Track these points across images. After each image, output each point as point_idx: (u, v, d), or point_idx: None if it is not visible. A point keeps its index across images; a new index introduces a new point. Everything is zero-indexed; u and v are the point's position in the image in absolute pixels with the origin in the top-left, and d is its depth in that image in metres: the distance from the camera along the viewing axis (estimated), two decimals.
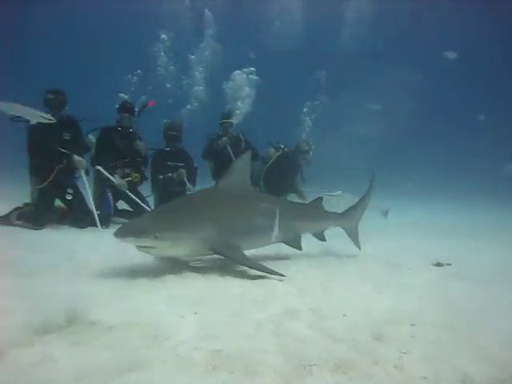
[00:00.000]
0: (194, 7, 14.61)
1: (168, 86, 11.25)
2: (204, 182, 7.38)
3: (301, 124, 10.75)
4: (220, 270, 3.75)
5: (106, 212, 6.51)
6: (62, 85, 6.52)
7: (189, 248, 3.71)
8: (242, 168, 4.29)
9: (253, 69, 10.27)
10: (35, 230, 5.65)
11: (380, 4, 23.90)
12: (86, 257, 4.10)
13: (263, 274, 3.58)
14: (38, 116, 5.40)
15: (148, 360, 1.91)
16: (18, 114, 5.53)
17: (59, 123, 6.02)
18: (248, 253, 3.99)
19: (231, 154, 7.77)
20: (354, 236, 5.38)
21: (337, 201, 7.69)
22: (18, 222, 5.80)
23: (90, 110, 6.87)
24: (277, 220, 4.11)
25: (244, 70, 10.13)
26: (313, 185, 8.54)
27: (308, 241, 5.13)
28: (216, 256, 3.85)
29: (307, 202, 6.13)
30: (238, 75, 10.00)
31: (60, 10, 27.42)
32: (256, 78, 10.19)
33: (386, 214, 8.33)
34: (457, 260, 4.94)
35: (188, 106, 10.91)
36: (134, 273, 3.52)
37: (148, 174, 7.31)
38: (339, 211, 5.42)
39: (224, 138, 7.88)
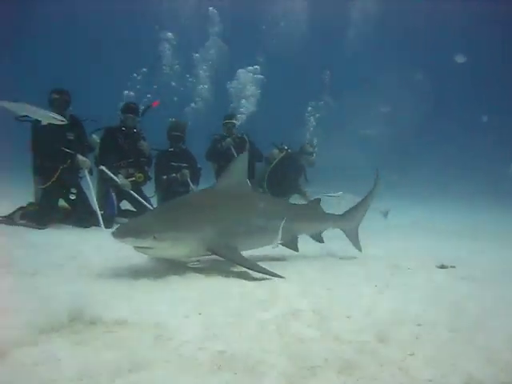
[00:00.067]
0: (199, 5, 14.60)
1: (173, 84, 11.22)
2: (208, 183, 7.37)
3: (305, 124, 10.70)
4: (222, 270, 3.74)
5: (110, 212, 6.52)
6: (65, 84, 6.54)
7: (188, 249, 3.68)
8: (239, 168, 4.29)
9: (257, 67, 10.19)
10: (39, 229, 5.66)
11: (384, 4, 23.84)
12: (90, 257, 4.11)
13: (262, 275, 3.57)
14: (50, 117, 5.42)
15: (152, 360, 1.90)
16: (30, 115, 5.56)
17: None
18: (246, 254, 3.98)
19: (235, 155, 7.76)
20: (353, 238, 5.31)
21: (337, 201, 7.65)
22: (21, 222, 5.82)
23: (93, 110, 6.88)
24: (274, 221, 4.12)
25: (249, 68, 10.06)
26: (316, 185, 8.51)
27: (309, 242, 5.13)
28: (213, 257, 3.83)
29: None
30: (242, 74, 9.96)
31: (60, 10, 27.49)
32: (261, 76, 10.11)
33: (386, 214, 8.29)
34: (457, 260, 4.92)
35: (192, 105, 10.88)
36: (137, 273, 3.52)
37: (152, 174, 7.31)
38: (340, 212, 5.39)
39: (228, 139, 7.86)
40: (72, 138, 6.34)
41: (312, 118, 10.65)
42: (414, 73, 23.68)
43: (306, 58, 25.14)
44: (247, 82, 9.73)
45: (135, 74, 9.25)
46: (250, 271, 3.65)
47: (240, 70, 10.01)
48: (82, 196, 6.46)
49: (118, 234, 3.37)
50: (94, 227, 6.14)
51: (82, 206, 6.40)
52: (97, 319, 2.32)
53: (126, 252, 3.97)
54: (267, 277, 3.55)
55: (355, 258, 5.08)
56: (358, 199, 5.54)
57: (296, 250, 4.68)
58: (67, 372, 1.76)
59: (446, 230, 8.74)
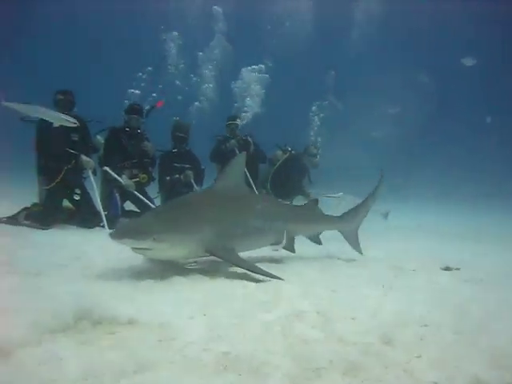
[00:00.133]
0: (204, 5, 14.62)
1: (178, 83, 11.21)
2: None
3: (309, 124, 10.68)
4: (225, 271, 3.75)
5: (114, 213, 6.53)
6: (65, 85, 6.56)
7: (186, 250, 3.65)
8: (237, 169, 4.28)
9: (262, 66, 10.14)
10: (43, 230, 5.68)
11: (389, 5, 23.81)
12: (94, 257, 4.12)
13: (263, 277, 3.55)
14: (62, 119, 5.47)
15: (156, 360, 1.90)
16: (43, 117, 5.60)
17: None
18: (246, 255, 3.97)
19: None
20: (352, 240, 5.25)
21: (337, 203, 7.64)
22: (25, 222, 5.84)
23: (93, 110, 6.90)
24: (271, 222, 4.12)
25: (253, 67, 10.01)
26: (320, 187, 8.50)
27: (310, 243, 5.11)
28: (211, 257, 3.82)
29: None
30: (247, 72, 9.92)
31: (60, 10, 27.56)
32: (266, 75, 10.06)
33: (386, 216, 8.30)
34: (460, 263, 4.90)
35: (196, 103, 10.87)
36: (141, 274, 3.51)
37: (155, 174, 7.32)
38: (339, 213, 5.35)
39: (232, 141, 7.85)
40: (76, 138, 6.37)
41: (316, 118, 10.63)
42: (418, 74, 23.65)
43: (310, 58, 25.14)
44: (251, 81, 9.68)
45: (140, 73, 9.24)
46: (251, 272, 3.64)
47: (244, 69, 9.98)
48: (85, 197, 6.48)
49: (116, 235, 3.35)
50: (97, 228, 6.16)
51: (86, 206, 6.42)
52: (101, 319, 2.32)
53: (129, 253, 3.94)
54: (268, 278, 3.54)
55: (356, 259, 5.05)
56: (359, 201, 5.50)
57: (293, 251, 4.65)
58: (71, 372, 1.75)
59: (449, 233, 8.72)
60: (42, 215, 5.92)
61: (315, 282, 3.67)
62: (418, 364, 2.02)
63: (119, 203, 6.67)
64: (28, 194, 6.56)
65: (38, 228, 5.70)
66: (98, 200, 6.40)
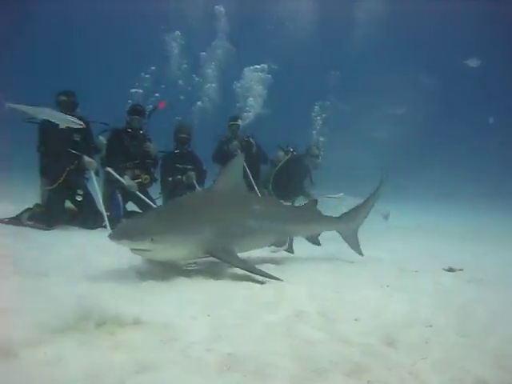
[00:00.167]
0: (206, 4, 14.62)
1: (180, 82, 11.21)
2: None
3: (311, 124, 10.66)
4: (227, 272, 3.74)
5: (116, 213, 6.52)
6: (65, 85, 6.57)
7: (186, 251, 3.63)
8: (236, 170, 4.29)
9: (264, 65, 10.11)
10: (45, 230, 5.68)
11: (391, 5, 23.79)
12: (96, 258, 4.11)
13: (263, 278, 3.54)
14: (69, 121, 5.49)
15: (159, 361, 1.89)
16: (49, 119, 5.61)
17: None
18: (245, 255, 3.96)
19: None
20: (352, 241, 5.22)
21: (338, 203, 7.62)
22: (28, 223, 5.84)
23: (93, 110, 6.91)
24: (270, 222, 4.12)
25: (256, 67, 9.98)
26: (322, 187, 8.48)
27: (309, 244, 5.09)
28: (211, 258, 3.80)
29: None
30: (249, 72, 9.90)
31: (60, 10, 27.60)
32: (268, 76, 10.04)
33: (386, 216, 8.28)
34: (461, 263, 4.90)
35: (199, 103, 10.86)
36: (144, 275, 3.51)
37: (157, 175, 7.32)
38: (338, 214, 5.32)
39: (235, 142, 7.82)
40: (79, 139, 6.38)
41: (319, 118, 10.60)
42: (421, 74, 23.61)
43: (312, 59, 25.12)
44: (254, 80, 9.66)
45: (143, 73, 9.22)
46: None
47: (247, 69, 9.95)
48: (88, 197, 6.48)
49: (114, 236, 3.33)
50: (100, 228, 6.16)
51: (89, 207, 6.42)
52: (104, 320, 2.31)
53: (131, 253, 3.97)
54: (270, 279, 3.52)
55: (356, 259, 5.04)
56: (359, 201, 5.46)
57: (291, 251, 4.64)
58: (74, 373, 1.75)
59: (449, 233, 8.71)
60: (45, 216, 5.92)
61: (317, 282, 3.66)
62: (422, 365, 2.00)
63: (121, 204, 6.66)
64: (28, 195, 6.56)
65: (40, 229, 5.71)
66: (101, 201, 6.39)
